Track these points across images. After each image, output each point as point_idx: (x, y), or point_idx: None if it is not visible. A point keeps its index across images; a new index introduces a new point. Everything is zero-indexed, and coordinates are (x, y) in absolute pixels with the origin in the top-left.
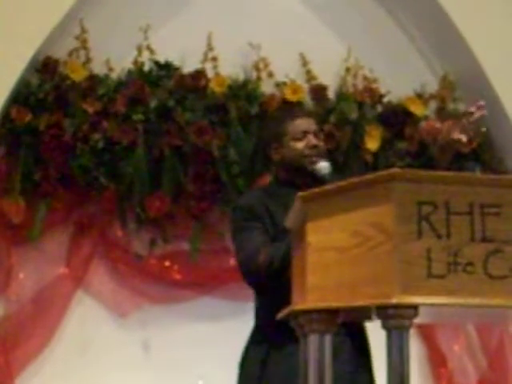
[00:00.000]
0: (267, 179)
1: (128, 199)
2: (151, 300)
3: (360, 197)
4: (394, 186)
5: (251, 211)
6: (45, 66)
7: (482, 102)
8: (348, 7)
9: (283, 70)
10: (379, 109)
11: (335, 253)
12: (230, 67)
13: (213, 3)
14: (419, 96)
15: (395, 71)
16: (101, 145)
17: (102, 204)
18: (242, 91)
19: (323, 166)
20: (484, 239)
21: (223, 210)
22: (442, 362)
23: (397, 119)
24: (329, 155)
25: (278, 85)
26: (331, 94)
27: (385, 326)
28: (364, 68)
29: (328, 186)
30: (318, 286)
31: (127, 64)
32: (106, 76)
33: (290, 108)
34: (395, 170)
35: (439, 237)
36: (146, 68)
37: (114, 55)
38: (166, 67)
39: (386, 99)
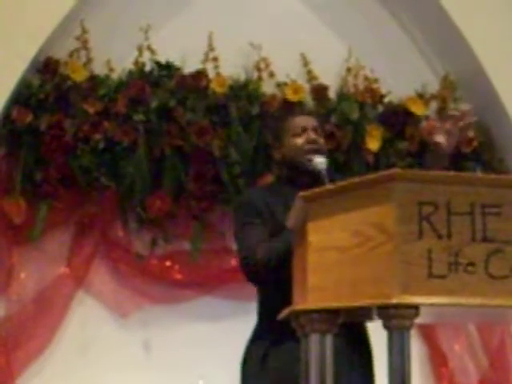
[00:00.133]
0: (268, 179)
1: (129, 199)
2: (152, 300)
3: (361, 197)
4: (394, 186)
5: (252, 207)
6: (46, 67)
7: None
8: (349, 7)
9: (284, 70)
10: (380, 109)
11: (336, 253)
12: (230, 67)
13: (213, 3)
14: (420, 96)
15: (396, 71)
16: (102, 145)
17: (103, 204)
18: (243, 91)
19: (319, 161)
20: (485, 239)
21: (224, 209)
22: (443, 361)
23: (398, 119)
24: (329, 155)
25: (278, 85)
26: (332, 94)
27: (386, 326)
28: (365, 68)
29: (329, 186)
30: (318, 285)
31: (128, 64)
32: (107, 76)
33: (291, 108)
34: (396, 170)
35: (440, 237)
36: (147, 68)
37: (114, 56)
38: (167, 67)
39: (386, 99)
